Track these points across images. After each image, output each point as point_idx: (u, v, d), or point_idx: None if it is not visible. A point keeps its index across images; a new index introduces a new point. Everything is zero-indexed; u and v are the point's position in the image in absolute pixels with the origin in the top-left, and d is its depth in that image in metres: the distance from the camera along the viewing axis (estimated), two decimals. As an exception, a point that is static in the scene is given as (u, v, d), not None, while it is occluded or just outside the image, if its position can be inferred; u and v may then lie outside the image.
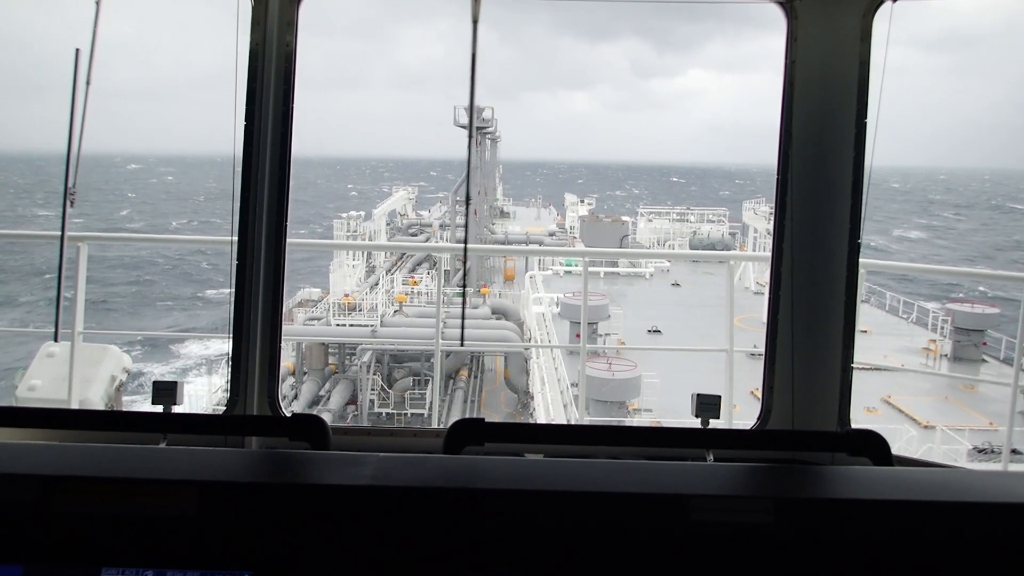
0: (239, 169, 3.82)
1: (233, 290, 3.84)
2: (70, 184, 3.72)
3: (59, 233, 4.11)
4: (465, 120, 46.10)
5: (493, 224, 55.25)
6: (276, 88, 3.81)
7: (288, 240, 3.96)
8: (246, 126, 3.79)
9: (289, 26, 3.77)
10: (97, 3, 3.56)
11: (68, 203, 3.75)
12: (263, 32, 3.74)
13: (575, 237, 54.24)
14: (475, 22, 3.69)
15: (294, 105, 3.85)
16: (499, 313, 35.47)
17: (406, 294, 35.62)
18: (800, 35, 3.69)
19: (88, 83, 3.59)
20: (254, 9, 3.73)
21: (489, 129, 49.65)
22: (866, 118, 3.66)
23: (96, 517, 1.71)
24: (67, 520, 1.70)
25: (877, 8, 3.58)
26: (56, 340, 4.11)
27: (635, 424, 20.89)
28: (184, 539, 1.71)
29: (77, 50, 3.58)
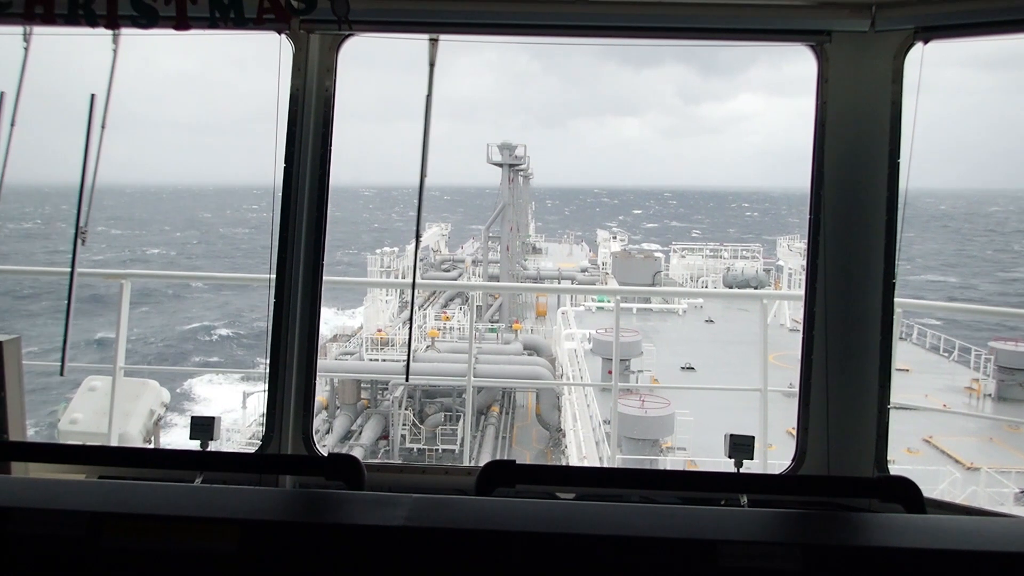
0: (278, 209, 3.92)
1: (270, 328, 3.91)
2: (82, 223, 3.86)
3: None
4: (498, 157, 46.68)
5: (525, 260, 55.36)
6: (315, 131, 3.92)
7: (324, 278, 4.04)
8: (286, 168, 3.90)
9: (328, 72, 3.89)
10: (114, 51, 3.73)
11: (80, 241, 3.89)
12: (303, 78, 3.86)
13: (607, 273, 54.10)
14: None
15: (332, 148, 3.96)
16: (531, 349, 35.38)
17: (439, 329, 35.75)
18: (831, 76, 3.72)
19: (103, 126, 3.75)
20: (295, 56, 3.86)
21: (522, 166, 50.00)
22: (899, 158, 3.66)
23: (143, 553, 1.75)
24: (115, 556, 1.75)
25: (908, 49, 3.59)
26: (62, 374, 4.21)
27: (668, 467, 20.56)
28: None
29: (93, 95, 3.75)
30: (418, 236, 4.28)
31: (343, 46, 3.93)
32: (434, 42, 3.88)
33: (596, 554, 1.77)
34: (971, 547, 1.80)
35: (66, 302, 4.06)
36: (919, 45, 3.59)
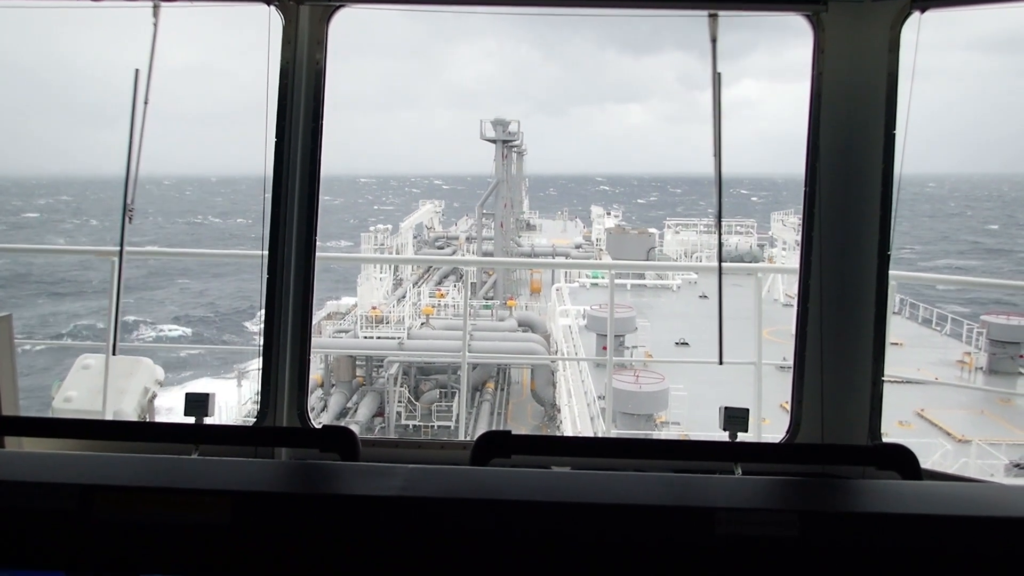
0: (270, 185, 3.89)
1: (263, 304, 3.90)
2: (129, 201, 3.82)
3: (117, 248, 4.22)
4: (491, 134, 46.42)
5: (519, 237, 55.25)
6: (306, 105, 3.87)
7: (317, 254, 4.02)
8: (276, 143, 3.86)
9: (319, 44, 3.84)
10: (155, 24, 3.66)
11: (127, 219, 3.85)
12: (293, 50, 3.81)
13: (601, 249, 54.05)
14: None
15: (323, 122, 3.92)
16: (525, 326, 35.45)
17: (433, 307, 35.75)
18: (827, 46, 3.68)
19: (146, 102, 3.69)
20: (285, 28, 3.80)
21: (515, 143, 49.75)
22: (895, 129, 3.64)
23: (135, 526, 1.75)
24: (107, 528, 1.74)
25: (905, 19, 3.56)
26: (115, 354, 4.21)
27: (662, 437, 20.71)
28: (219, 548, 1.74)
29: (136, 70, 3.69)
30: (720, 222, 4.14)
31: (334, 18, 3.87)
32: (713, 17, 3.72)
33: (593, 522, 1.78)
34: (968, 512, 1.81)
35: (116, 281, 4.02)
36: (916, 14, 3.55)
